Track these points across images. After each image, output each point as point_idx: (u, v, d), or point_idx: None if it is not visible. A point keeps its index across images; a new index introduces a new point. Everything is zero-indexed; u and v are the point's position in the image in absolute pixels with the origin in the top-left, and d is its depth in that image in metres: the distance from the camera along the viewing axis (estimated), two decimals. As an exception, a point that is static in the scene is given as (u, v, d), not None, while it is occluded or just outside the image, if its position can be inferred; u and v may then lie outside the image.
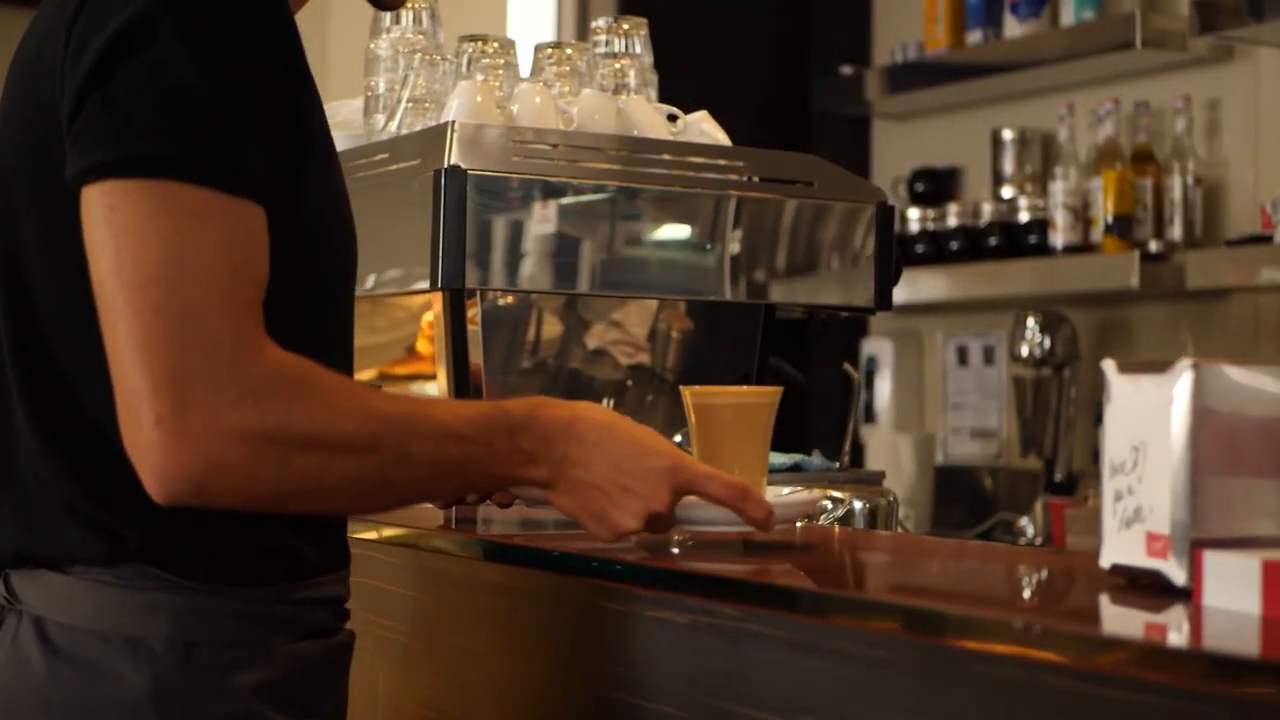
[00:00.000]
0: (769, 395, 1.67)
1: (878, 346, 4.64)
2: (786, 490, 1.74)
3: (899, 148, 4.78)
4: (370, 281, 2.26)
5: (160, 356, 1.29)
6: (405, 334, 2.63)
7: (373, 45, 2.38)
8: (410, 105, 2.26)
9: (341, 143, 2.36)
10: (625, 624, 1.57)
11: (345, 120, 2.43)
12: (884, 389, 4.60)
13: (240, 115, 1.37)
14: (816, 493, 1.74)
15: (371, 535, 1.93)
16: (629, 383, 2.37)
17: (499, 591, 1.80)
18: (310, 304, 1.48)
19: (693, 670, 1.48)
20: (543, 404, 1.48)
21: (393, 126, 2.28)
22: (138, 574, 1.43)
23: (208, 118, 1.35)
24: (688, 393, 1.69)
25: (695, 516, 1.54)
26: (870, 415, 4.63)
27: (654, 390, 2.39)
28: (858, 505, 2.21)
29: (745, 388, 1.78)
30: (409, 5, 2.37)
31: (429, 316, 2.46)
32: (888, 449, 4.46)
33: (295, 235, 1.43)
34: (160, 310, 1.30)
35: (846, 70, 4.67)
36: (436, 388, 2.31)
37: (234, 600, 1.45)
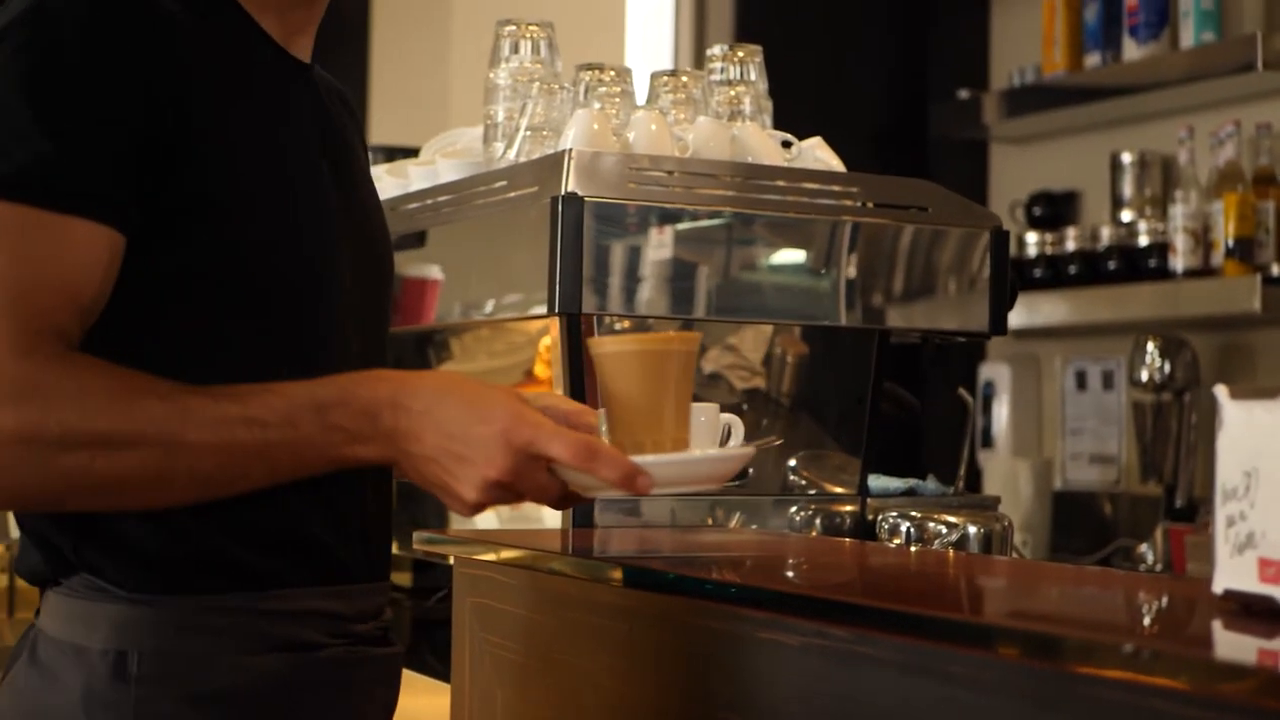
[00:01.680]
0: (673, 342, 1.49)
1: (995, 371, 4.62)
2: (716, 449, 1.58)
3: (1017, 171, 4.76)
4: (489, 306, 2.30)
5: None
6: (523, 358, 2.66)
7: (492, 75, 2.42)
8: (528, 133, 2.30)
9: (460, 170, 2.40)
10: (738, 646, 1.59)
11: (465, 148, 2.48)
12: (1001, 414, 4.58)
13: (68, 133, 1.38)
14: (749, 449, 1.55)
15: (490, 556, 1.96)
16: (744, 407, 2.39)
17: (615, 613, 1.82)
18: (251, 315, 1.49)
19: (805, 692, 1.49)
20: (363, 379, 1.42)
21: (511, 154, 2.32)
22: (84, 584, 1.48)
23: (22, 134, 1.37)
24: (588, 341, 1.59)
25: (579, 481, 1.41)
26: (988, 440, 4.61)
27: (769, 414, 2.41)
28: (972, 530, 2.22)
29: (649, 334, 1.58)
30: (526, 35, 2.41)
31: (546, 341, 2.50)
32: (1005, 474, 4.43)
33: (202, 247, 1.45)
34: None
35: (964, 94, 4.66)
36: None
37: (170, 610, 1.47)
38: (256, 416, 1.38)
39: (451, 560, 2.02)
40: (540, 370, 2.63)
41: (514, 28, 2.41)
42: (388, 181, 2.64)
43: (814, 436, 2.42)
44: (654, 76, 2.45)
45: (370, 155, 3.31)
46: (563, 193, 2.11)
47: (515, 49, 2.40)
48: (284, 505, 1.49)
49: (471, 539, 2.01)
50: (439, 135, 2.81)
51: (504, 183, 2.28)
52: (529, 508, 2.47)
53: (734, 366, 2.43)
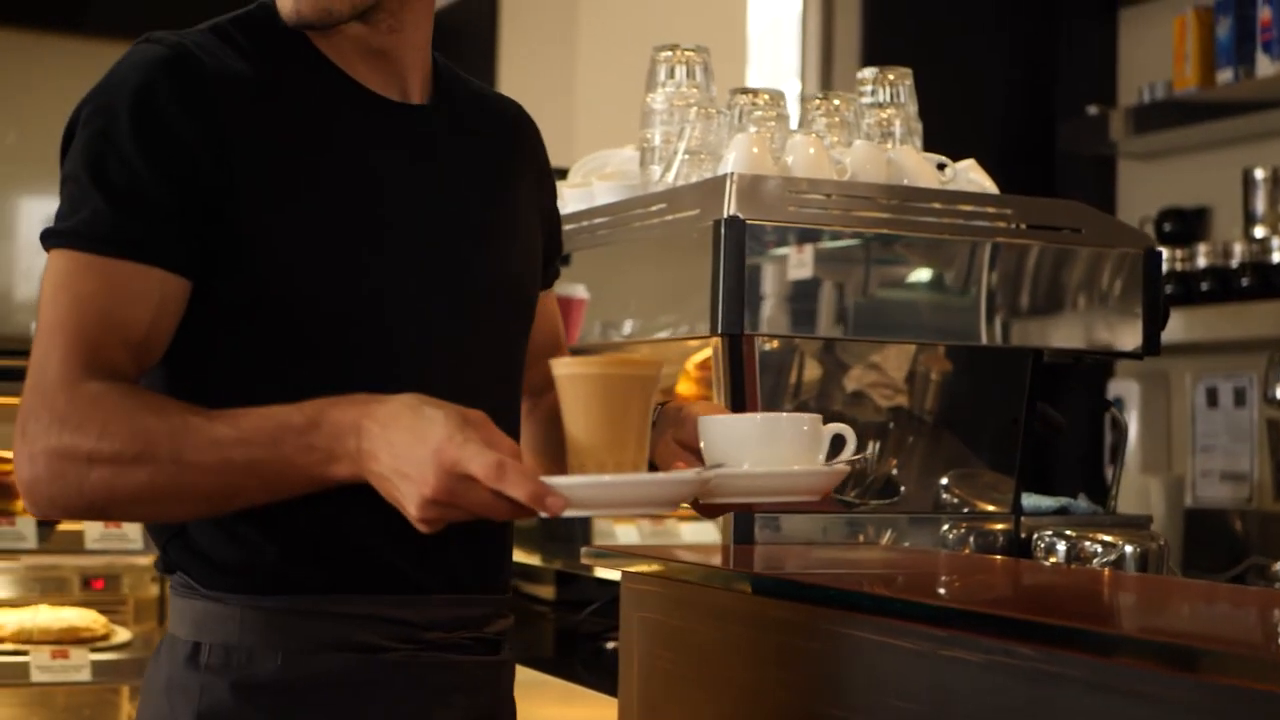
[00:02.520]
0: (635, 366, 1.47)
1: (1124, 388, 4.61)
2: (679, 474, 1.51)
3: (1146, 188, 4.75)
4: (641, 326, 2.34)
5: (23, 399, 1.55)
6: (665, 375, 2.69)
7: (648, 99, 2.46)
8: (686, 157, 2.34)
9: (617, 193, 2.45)
10: (915, 662, 1.61)
11: (617, 171, 2.52)
12: (1131, 430, 4.57)
13: (119, 189, 1.56)
14: (687, 474, 1.48)
15: (652, 569, 2.00)
16: (891, 425, 2.41)
17: (781, 627, 1.85)
18: (303, 343, 1.61)
19: (989, 710, 1.52)
20: (339, 401, 1.49)
21: (669, 177, 2.36)
22: (180, 582, 1.69)
23: (84, 197, 1.57)
24: (550, 362, 1.52)
25: None
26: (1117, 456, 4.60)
27: (914, 432, 2.43)
28: (1129, 549, 2.23)
29: (610, 356, 1.54)
30: (682, 60, 2.45)
31: (696, 359, 2.53)
32: (1137, 491, 4.42)
33: (254, 284, 1.59)
34: (31, 360, 1.56)
35: (1092, 110, 4.66)
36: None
37: (235, 608, 1.64)
38: (246, 437, 1.50)
39: (618, 575, 2.06)
40: (684, 388, 2.67)
41: (670, 53, 2.45)
42: (541, 203, 2.69)
43: (963, 455, 2.44)
44: (805, 100, 2.48)
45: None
46: (725, 216, 2.15)
47: (671, 74, 2.44)
48: (342, 518, 1.61)
49: (640, 554, 2.04)
50: (586, 157, 2.86)
51: (663, 205, 2.33)
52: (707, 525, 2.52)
53: (876, 385, 2.45)
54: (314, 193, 1.62)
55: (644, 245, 2.40)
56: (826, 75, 4.87)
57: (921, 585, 1.65)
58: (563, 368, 1.46)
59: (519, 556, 3.02)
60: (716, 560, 2.08)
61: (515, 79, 5.27)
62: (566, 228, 2.58)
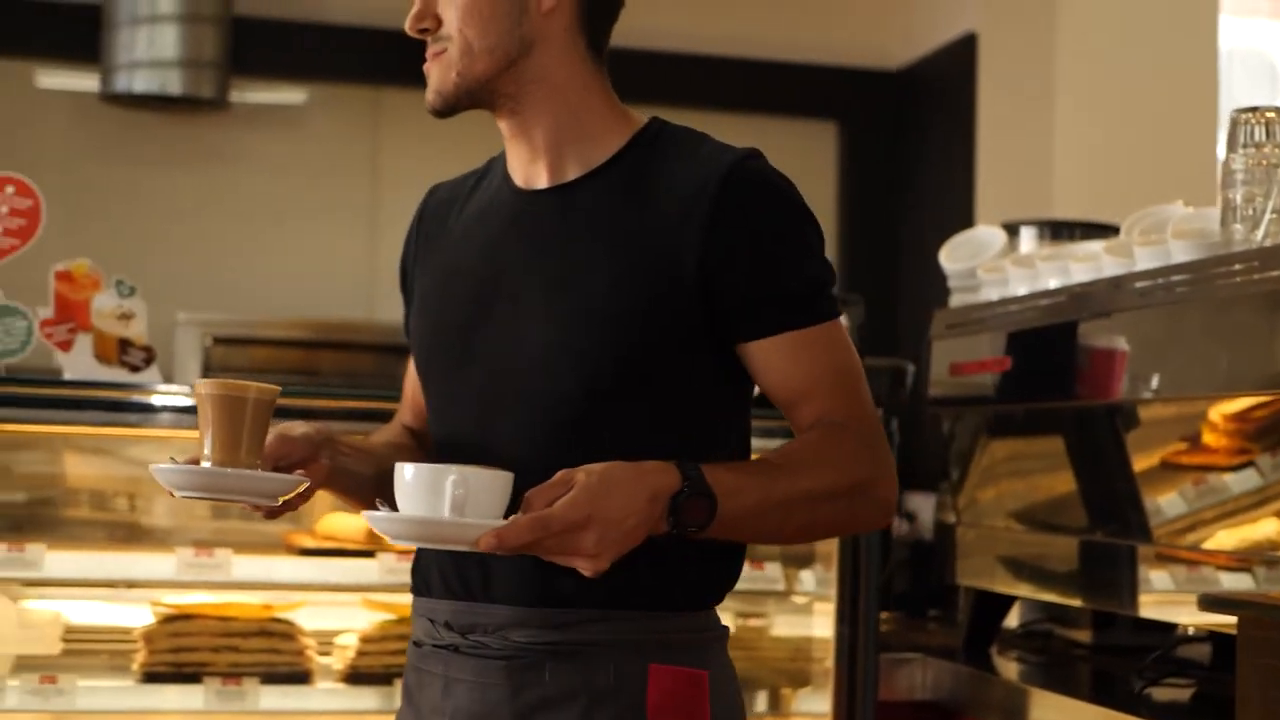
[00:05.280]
0: (249, 390, 1.79)
1: None
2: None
3: None
4: (1185, 383, 2.39)
5: None
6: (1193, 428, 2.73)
7: (1229, 158, 2.54)
8: (1274, 215, 2.41)
9: (1195, 251, 2.53)
10: None
11: (1199, 230, 2.60)
12: None
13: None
14: (283, 476, 1.81)
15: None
16: None
17: None
18: (421, 384, 2.02)
19: None
20: None
21: (1257, 236, 2.43)
22: None
23: None
24: (195, 382, 1.91)
25: None
26: None
27: None
28: None
29: (233, 381, 1.84)
30: (1260, 119, 2.52)
31: (1223, 410, 2.57)
32: None
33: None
34: None
35: None
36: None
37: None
38: None
39: (1235, 622, 2.11)
40: (1210, 439, 2.71)
41: (1250, 114, 2.52)
42: (1106, 260, 2.79)
43: None
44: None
45: (1038, 230, 3.47)
46: (1328, 274, 2.20)
47: (1251, 135, 2.51)
48: None
49: (1262, 602, 2.10)
50: (1139, 213, 2.95)
51: (1253, 264, 2.39)
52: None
53: None
54: (426, 277, 2.00)
55: (1227, 304, 2.46)
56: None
57: None
58: (198, 387, 1.81)
59: (1054, 598, 3.11)
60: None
61: (993, 131, 5.37)
62: (1142, 284, 2.67)
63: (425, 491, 1.67)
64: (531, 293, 1.88)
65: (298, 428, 1.88)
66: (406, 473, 1.70)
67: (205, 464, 1.79)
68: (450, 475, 1.65)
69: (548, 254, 1.89)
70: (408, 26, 1.91)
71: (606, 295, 1.83)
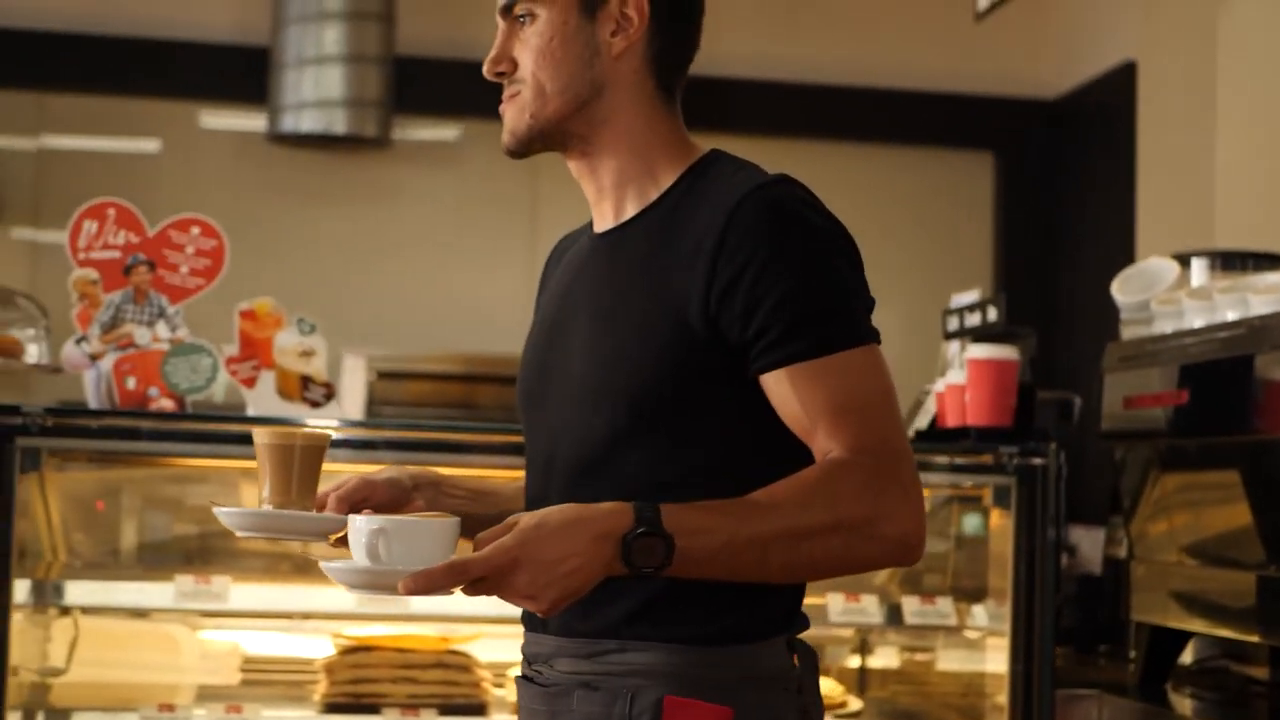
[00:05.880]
0: (297, 437, 1.90)
1: None
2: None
3: None
4: None
5: None
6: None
7: None
8: None
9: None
10: None
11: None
12: None
13: None
14: (331, 516, 1.91)
15: None
16: None
17: None
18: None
19: None
20: None
21: None
22: None
23: None
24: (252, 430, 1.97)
25: None
26: None
27: None
28: None
29: (285, 429, 1.95)
30: None
31: None
32: None
33: None
34: None
35: None
36: None
37: None
38: None
39: None
40: None
41: None
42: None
43: None
44: None
45: (1209, 261, 3.44)
46: None
47: None
48: None
49: None
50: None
51: None
52: None
53: None
54: (532, 325, 2.05)
55: None
56: None
57: None
58: (256, 436, 1.92)
59: (1230, 634, 3.08)
60: None
61: (1154, 160, 5.32)
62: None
63: (355, 540, 1.75)
64: (581, 338, 1.93)
65: (386, 472, 1.98)
66: (350, 523, 1.79)
67: (265, 507, 1.91)
68: (372, 525, 1.73)
69: (598, 298, 1.94)
70: (485, 70, 1.95)
71: (634, 338, 1.86)
